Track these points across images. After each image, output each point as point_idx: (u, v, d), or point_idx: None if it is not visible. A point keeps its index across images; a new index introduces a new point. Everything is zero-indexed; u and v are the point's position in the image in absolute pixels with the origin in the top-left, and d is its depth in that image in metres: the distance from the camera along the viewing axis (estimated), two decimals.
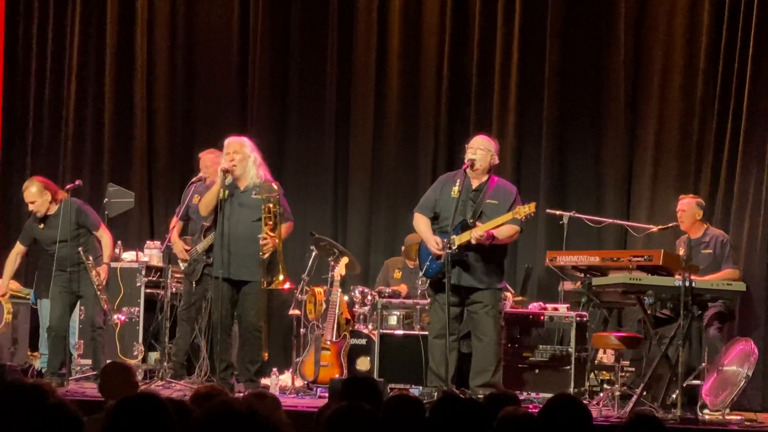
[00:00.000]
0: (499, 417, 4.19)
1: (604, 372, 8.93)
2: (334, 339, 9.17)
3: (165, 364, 8.78)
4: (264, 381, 8.84)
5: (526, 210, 7.88)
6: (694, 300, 7.66)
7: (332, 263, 9.40)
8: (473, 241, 7.86)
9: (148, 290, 9.88)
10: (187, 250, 9.02)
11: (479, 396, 7.34)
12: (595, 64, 10.40)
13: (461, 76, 10.73)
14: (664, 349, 7.82)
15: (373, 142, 10.96)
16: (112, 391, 5.30)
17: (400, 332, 9.12)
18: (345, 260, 9.41)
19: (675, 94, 10.00)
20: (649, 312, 8.16)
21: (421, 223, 8.23)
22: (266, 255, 8.20)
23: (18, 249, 9.16)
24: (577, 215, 9.53)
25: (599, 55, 10.38)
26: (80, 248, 8.81)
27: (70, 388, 8.57)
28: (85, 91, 11.50)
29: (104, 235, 9.05)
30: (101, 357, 8.84)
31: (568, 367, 8.60)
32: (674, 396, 7.68)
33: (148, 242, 10.43)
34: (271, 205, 8.21)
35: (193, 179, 9.20)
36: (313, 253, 9.59)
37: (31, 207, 8.96)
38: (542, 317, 8.82)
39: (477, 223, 7.95)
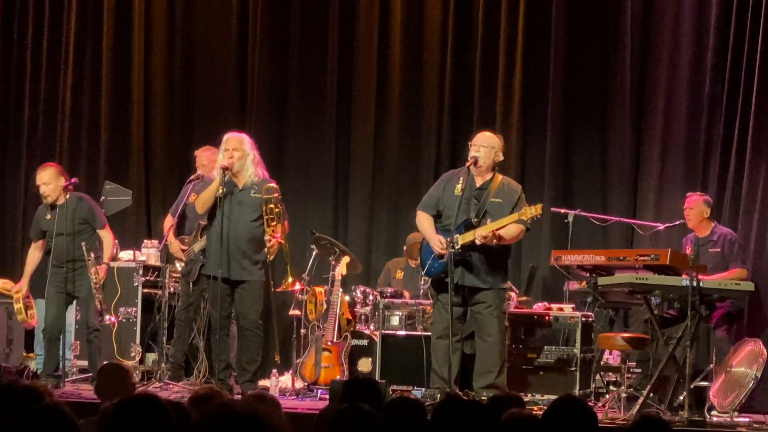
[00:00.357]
0: (503, 419, 4.15)
1: (610, 373, 8.89)
2: (335, 340, 9.13)
3: (163, 365, 8.73)
4: (263, 382, 8.81)
5: (532, 212, 7.83)
6: (702, 300, 7.62)
7: (333, 263, 9.37)
8: (478, 241, 7.80)
9: (146, 290, 9.82)
10: (183, 250, 8.96)
11: (483, 398, 7.28)
12: (601, 60, 10.35)
13: (464, 72, 10.69)
14: (671, 350, 7.76)
15: (374, 139, 10.92)
16: (109, 392, 5.26)
17: (402, 333, 9.07)
18: (346, 259, 9.38)
19: (682, 91, 9.94)
20: (655, 312, 8.12)
21: (423, 221, 8.16)
22: (272, 256, 8.18)
23: (33, 245, 9.05)
24: (582, 213, 9.51)
25: (605, 51, 10.33)
26: (83, 243, 8.69)
27: (65, 389, 8.52)
28: (81, 87, 11.44)
29: (107, 235, 8.98)
30: (97, 359, 8.76)
31: (574, 369, 8.57)
32: (681, 398, 7.67)
33: (145, 241, 10.38)
34: (272, 206, 8.19)
35: (192, 177, 9.12)
36: (314, 253, 9.55)
37: (42, 190, 8.81)
38: (547, 317, 8.80)
39: (488, 221, 7.85)
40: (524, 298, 9.52)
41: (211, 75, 11.37)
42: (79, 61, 11.42)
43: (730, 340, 8.56)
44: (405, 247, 9.89)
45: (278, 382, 8.81)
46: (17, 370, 9.08)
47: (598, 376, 8.74)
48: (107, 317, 9.23)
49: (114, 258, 9.76)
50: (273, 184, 8.29)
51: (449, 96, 10.70)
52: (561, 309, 8.90)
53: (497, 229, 7.80)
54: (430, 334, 8.37)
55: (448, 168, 9.43)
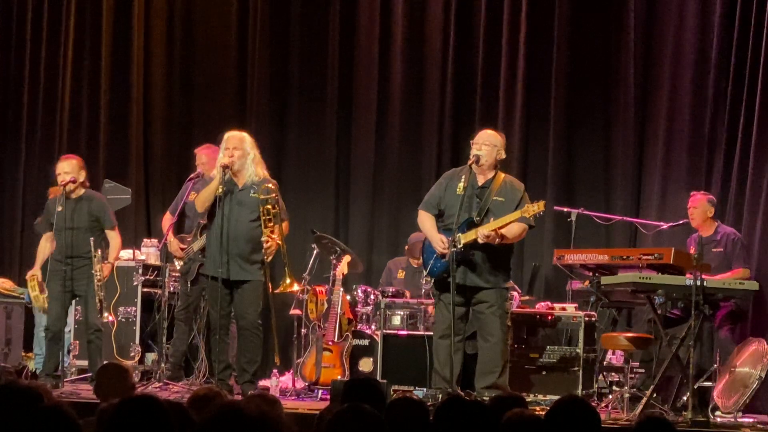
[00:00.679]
0: (505, 420, 4.17)
1: (613, 373, 8.87)
2: (336, 339, 9.10)
3: (162, 365, 8.71)
4: (264, 382, 8.78)
5: (534, 209, 7.79)
6: (706, 299, 7.59)
7: (334, 262, 9.35)
8: (480, 240, 7.75)
9: (145, 289, 9.81)
10: (182, 249, 8.92)
11: (485, 398, 7.23)
12: (604, 58, 10.33)
13: (466, 70, 10.67)
14: (675, 350, 7.75)
15: (375, 137, 10.91)
16: (108, 393, 5.27)
17: (403, 332, 9.04)
18: (347, 259, 9.37)
19: (686, 89, 9.90)
20: (659, 312, 8.08)
21: (425, 220, 8.12)
22: (270, 258, 8.14)
23: (44, 236, 8.94)
24: (585, 212, 9.49)
25: (608, 49, 10.30)
26: (92, 238, 8.63)
27: (64, 389, 8.47)
28: (80, 85, 11.45)
29: (116, 236, 8.92)
30: (97, 359, 8.70)
31: (576, 369, 8.53)
32: (685, 398, 7.68)
33: (145, 240, 10.37)
34: (269, 207, 8.15)
35: (192, 175, 9.08)
36: (315, 252, 9.54)
37: (62, 179, 8.71)
38: (550, 317, 8.76)
39: (490, 219, 7.81)
40: (527, 297, 9.51)
41: (211, 74, 11.37)
42: (78, 60, 11.41)
43: (734, 340, 8.54)
44: (406, 247, 9.89)
45: (279, 382, 8.80)
46: (16, 370, 9.05)
47: (601, 376, 8.71)
48: (105, 314, 9.17)
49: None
50: (271, 184, 8.24)
51: (451, 94, 10.67)
52: (564, 308, 8.87)
53: (499, 228, 7.76)
54: (431, 333, 8.35)
55: (449, 166, 9.39)
